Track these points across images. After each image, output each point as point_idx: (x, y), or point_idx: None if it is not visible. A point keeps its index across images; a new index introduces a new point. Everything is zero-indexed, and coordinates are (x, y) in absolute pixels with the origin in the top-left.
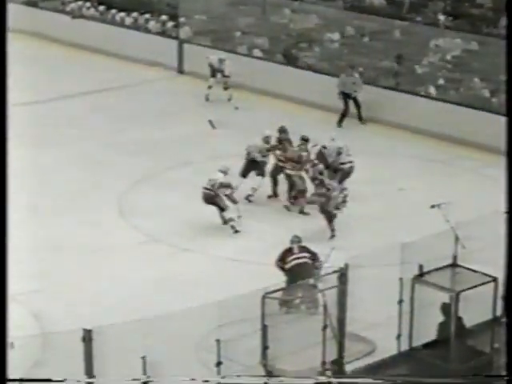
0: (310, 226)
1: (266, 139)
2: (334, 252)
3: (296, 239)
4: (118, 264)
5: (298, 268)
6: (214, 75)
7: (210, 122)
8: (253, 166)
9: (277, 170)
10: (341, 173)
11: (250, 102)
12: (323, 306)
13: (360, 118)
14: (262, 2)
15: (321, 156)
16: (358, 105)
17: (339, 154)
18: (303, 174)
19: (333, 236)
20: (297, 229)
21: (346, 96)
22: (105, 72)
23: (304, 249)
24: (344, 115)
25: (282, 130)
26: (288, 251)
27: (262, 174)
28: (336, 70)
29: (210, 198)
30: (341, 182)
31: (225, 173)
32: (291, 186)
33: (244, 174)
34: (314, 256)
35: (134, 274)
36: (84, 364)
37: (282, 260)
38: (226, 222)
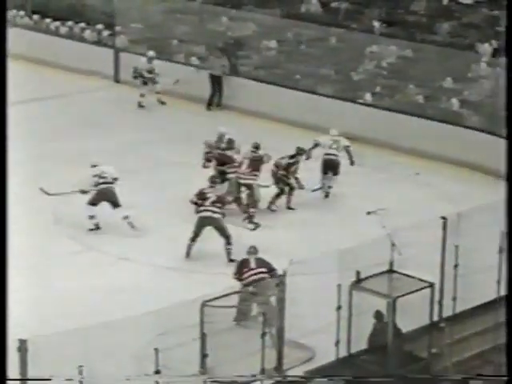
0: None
1: (221, 137)
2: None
3: (252, 250)
4: (54, 274)
5: (255, 285)
6: (145, 83)
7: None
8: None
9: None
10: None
11: (189, 110)
12: (262, 313)
13: (218, 104)
14: (198, 10)
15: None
16: (221, 88)
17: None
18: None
19: None
20: (237, 237)
21: (214, 79)
22: (40, 82)
23: (261, 262)
24: (212, 98)
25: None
26: (244, 264)
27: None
28: (274, 78)
29: (111, 193)
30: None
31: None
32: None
33: None
34: (271, 270)
35: (70, 284)
36: (19, 374)
37: (238, 273)
38: (126, 217)
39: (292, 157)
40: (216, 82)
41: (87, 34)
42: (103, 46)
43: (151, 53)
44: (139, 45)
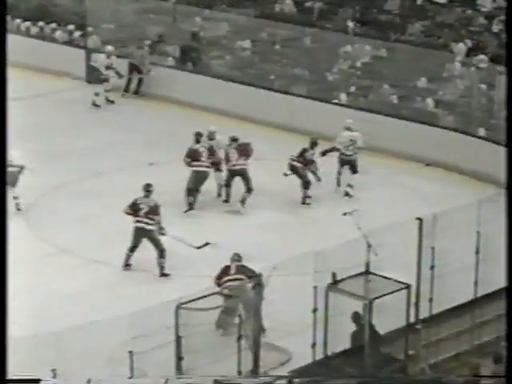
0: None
1: (211, 135)
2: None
3: (236, 257)
4: (26, 276)
5: (232, 289)
6: (100, 82)
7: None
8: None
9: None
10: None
11: (160, 110)
12: (238, 315)
13: (136, 92)
14: (172, 10)
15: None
16: (141, 78)
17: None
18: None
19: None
20: (212, 239)
21: (132, 67)
22: (11, 82)
23: (242, 268)
24: (128, 86)
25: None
26: (225, 270)
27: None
28: (248, 78)
29: (12, 176)
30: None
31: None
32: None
33: None
34: (251, 277)
35: (43, 286)
36: None
37: (218, 279)
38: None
39: (305, 151)
40: (135, 70)
41: (58, 34)
42: (75, 46)
43: (109, 47)
44: (111, 45)
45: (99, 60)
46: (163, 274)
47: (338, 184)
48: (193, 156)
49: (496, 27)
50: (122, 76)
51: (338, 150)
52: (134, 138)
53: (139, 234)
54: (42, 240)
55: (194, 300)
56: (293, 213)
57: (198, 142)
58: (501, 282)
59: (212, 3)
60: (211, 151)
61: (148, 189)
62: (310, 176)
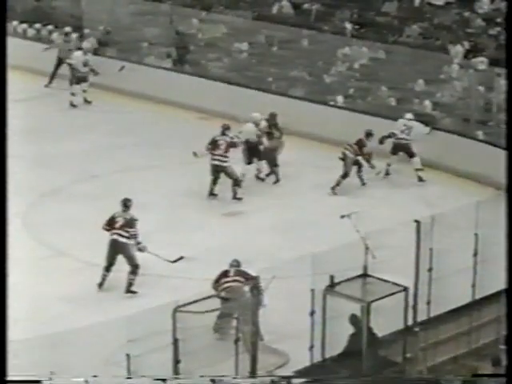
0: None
1: (256, 122)
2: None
3: (235, 263)
4: (23, 278)
5: (229, 292)
6: (77, 81)
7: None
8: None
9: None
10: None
11: (157, 112)
12: (236, 319)
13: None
14: (169, 12)
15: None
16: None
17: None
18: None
19: None
20: (211, 242)
21: (59, 60)
22: (9, 85)
23: (240, 272)
24: (53, 77)
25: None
26: (224, 274)
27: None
28: (245, 80)
29: None
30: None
31: None
32: None
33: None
34: (250, 280)
35: (39, 289)
36: None
37: (216, 282)
38: None
39: (361, 141)
40: (62, 63)
41: (55, 36)
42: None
43: (86, 44)
44: (108, 47)
45: (76, 57)
46: (130, 291)
47: (387, 173)
48: (211, 146)
49: (494, 29)
50: (98, 73)
51: (394, 134)
52: (130, 141)
53: (112, 247)
54: (39, 243)
55: (191, 303)
56: (290, 214)
57: (223, 134)
58: (499, 284)
59: (209, 5)
60: (231, 144)
61: (126, 204)
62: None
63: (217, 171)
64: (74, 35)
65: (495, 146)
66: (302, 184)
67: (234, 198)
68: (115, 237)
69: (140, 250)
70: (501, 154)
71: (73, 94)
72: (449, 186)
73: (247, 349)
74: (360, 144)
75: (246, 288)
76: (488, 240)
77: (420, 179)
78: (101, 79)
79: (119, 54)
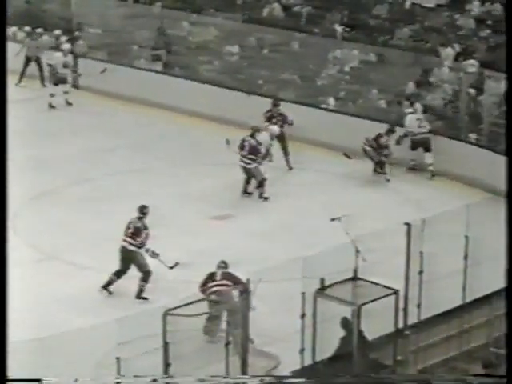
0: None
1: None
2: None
3: (222, 265)
4: (14, 282)
5: (216, 295)
6: (56, 82)
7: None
8: None
9: None
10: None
11: (148, 116)
12: (226, 322)
13: (42, 80)
14: (159, 14)
15: None
16: (40, 68)
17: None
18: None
19: None
20: (200, 245)
21: (27, 59)
22: None
23: (227, 275)
24: (22, 75)
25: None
26: (210, 277)
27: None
28: (236, 83)
29: None
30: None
31: None
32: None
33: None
34: (237, 284)
35: (31, 293)
36: None
37: (202, 286)
38: None
39: (380, 136)
40: (30, 61)
41: (45, 39)
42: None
43: (66, 45)
44: (98, 50)
45: (55, 58)
46: (140, 297)
47: (414, 168)
48: (239, 147)
49: (484, 31)
50: (80, 75)
51: (410, 132)
52: (122, 144)
53: (121, 254)
54: (30, 246)
55: (181, 306)
56: (280, 217)
57: (251, 136)
58: (489, 287)
59: (200, 8)
60: (253, 148)
61: (143, 210)
62: None
63: (244, 171)
64: (64, 38)
65: (485, 148)
66: (292, 187)
67: (260, 197)
68: (124, 244)
69: (151, 256)
70: (491, 157)
71: (52, 95)
72: (439, 189)
73: (238, 352)
74: (378, 139)
75: (235, 292)
76: (478, 242)
77: (433, 175)
78: (90, 82)
79: (109, 57)
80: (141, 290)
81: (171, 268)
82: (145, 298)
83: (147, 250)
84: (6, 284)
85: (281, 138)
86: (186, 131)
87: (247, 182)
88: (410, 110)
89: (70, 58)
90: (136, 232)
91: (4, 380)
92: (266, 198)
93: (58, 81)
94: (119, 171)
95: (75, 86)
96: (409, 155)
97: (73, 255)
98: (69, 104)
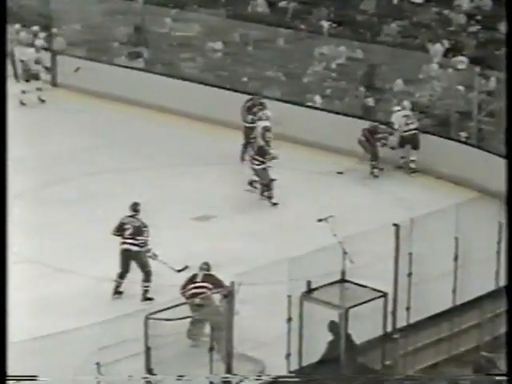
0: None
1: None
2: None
3: (204, 266)
4: None
5: (195, 298)
6: (28, 79)
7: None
8: None
9: None
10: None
11: (128, 114)
12: (210, 326)
13: (16, 76)
14: (140, 10)
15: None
16: (14, 64)
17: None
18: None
19: None
20: (187, 246)
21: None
22: None
23: (208, 277)
24: None
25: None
26: (191, 279)
27: None
28: (220, 80)
29: None
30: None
31: None
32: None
33: None
34: (217, 286)
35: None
36: None
37: (183, 288)
38: None
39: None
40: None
41: (22, 35)
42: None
43: (39, 41)
44: (78, 47)
45: (28, 54)
46: (147, 298)
47: (400, 166)
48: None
49: (474, 27)
50: (51, 71)
51: (396, 130)
52: (101, 143)
53: (125, 256)
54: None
55: (162, 310)
56: (266, 218)
57: (263, 136)
58: (480, 289)
59: (182, 3)
60: (259, 149)
61: (135, 208)
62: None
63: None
64: (43, 34)
65: (474, 146)
66: (278, 187)
67: (269, 201)
68: (126, 246)
69: (151, 257)
70: (481, 155)
71: (23, 92)
72: (428, 189)
73: (222, 357)
74: (373, 130)
75: (217, 295)
76: (468, 243)
77: (413, 171)
78: (69, 79)
79: (89, 54)
80: (145, 291)
81: (179, 271)
82: (150, 299)
83: (149, 251)
84: (5, 285)
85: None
86: (168, 130)
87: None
88: (398, 107)
89: (42, 54)
90: (136, 231)
91: (4, 380)
92: (274, 204)
93: (30, 77)
94: (98, 171)
95: (54, 83)
96: (397, 153)
97: (50, 258)
98: (42, 101)
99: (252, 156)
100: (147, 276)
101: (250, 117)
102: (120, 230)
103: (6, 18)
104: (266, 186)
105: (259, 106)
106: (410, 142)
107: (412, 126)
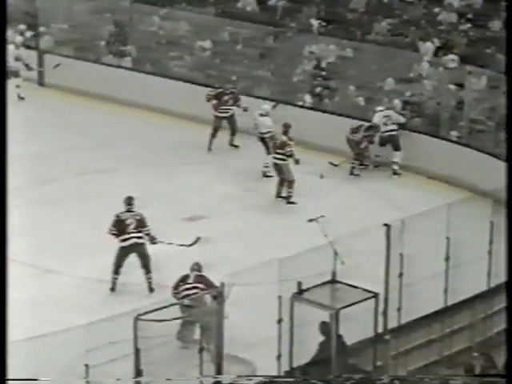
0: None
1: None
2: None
3: (196, 267)
4: None
5: (188, 299)
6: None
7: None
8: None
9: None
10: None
11: (116, 113)
12: (200, 328)
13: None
14: (128, 9)
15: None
16: None
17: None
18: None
19: None
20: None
21: None
22: None
23: (200, 278)
24: None
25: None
26: (183, 279)
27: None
28: (209, 79)
29: None
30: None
31: None
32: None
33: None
34: (209, 288)
35: None
36: None
37: (175, 288)
38: None
39: (367, 129)
40: None
41: (9, 34)
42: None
43: (19, 38)
44: (65, 46)
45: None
46: (152, 289)
47: (378, 165)
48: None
49: (464, 25)
50: (32, 69)
51: (376, 126)
52: (88, 142)
53: (127, 251)
54: None
55: (152, 311)
56: (256, 218)
57: (284, 133)
58: (472, 289)
59: (171, 1)
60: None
61: (130, 202)
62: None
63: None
64: (29, 33)
65: (466, 146)
66: (267, 187)
67: (287, 200)
68: (134, 240)
69: (154, 243)
70: (472, 155)
71: (18, 86)
72: (419, 188)
73: (212, 358)
74: (354, 129)
75: (208, 296)
76: (460, 243)
77: (395, 173)
78: (56, 79)
79: (76, 53)
80: (150, 283)
81: (190, 246)
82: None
83: (153, 238)
84: (5, 285)
85: (231, 120)
86: (156, 129)
87: (280, 183)
88: (380, 107)
89: (22, 51)
90: (140, 224)
91: (4, 380)
92: (292, 203)
93: (10, 74)
94: (85, 171)
95: (41, 83)
96: (376, 151)
97: (37, 258)
98: (21, 98)
99: (275, 151)
100: (149, 268)
101: (223, 107)
102: (119, 228)
103: (5, 18)
104: (290, 183)
105: (230, 94)
106: (388, 142)
107: (389, 128)
